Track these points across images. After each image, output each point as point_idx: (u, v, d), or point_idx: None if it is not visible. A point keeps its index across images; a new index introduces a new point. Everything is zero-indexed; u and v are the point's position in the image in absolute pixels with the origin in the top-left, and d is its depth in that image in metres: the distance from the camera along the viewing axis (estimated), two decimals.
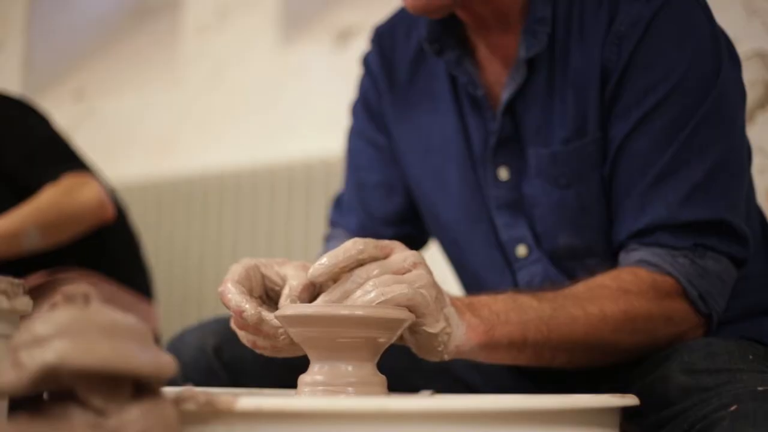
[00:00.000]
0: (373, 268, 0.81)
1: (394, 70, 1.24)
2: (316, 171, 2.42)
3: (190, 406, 0.62)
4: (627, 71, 1.03)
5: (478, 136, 1.14)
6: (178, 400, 0.62)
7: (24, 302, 0.80)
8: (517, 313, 0.91)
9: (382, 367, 0.83)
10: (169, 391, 0.63)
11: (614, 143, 1.04)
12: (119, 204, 1.93)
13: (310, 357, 0.83)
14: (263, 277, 0.90)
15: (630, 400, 0.76)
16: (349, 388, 0.80)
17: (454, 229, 1.20)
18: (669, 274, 0.99)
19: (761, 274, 1.10)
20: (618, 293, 0.96)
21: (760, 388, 0.81)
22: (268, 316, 0.85)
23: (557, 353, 0.95)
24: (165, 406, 0.58)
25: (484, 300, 0.91)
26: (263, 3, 2.75)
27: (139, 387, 0.57)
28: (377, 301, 0.78)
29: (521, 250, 1.13)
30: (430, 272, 0.83)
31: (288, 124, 2.63)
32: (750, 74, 1.53)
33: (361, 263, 0.82)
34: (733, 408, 0.79)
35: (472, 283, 1.22)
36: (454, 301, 0.88)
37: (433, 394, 0.84)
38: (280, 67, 2.70)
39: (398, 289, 0.79)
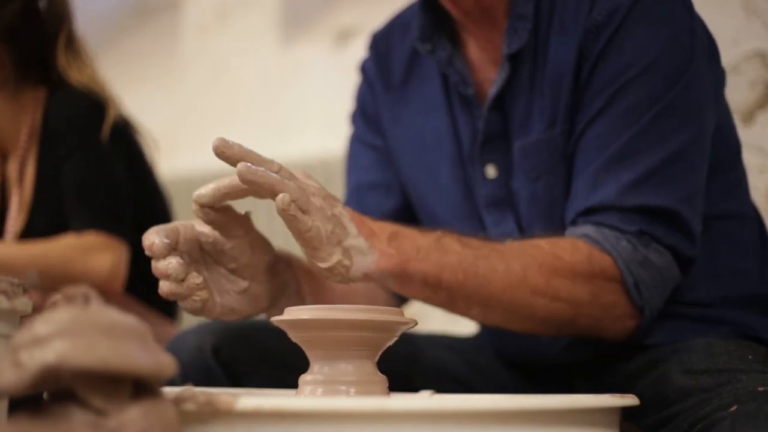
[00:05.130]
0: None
1: (390, 73, 1.24)
2: (316, 171, 2.41)
3: (190, 406, 0.62)
4: (600, 59, 1.02)
5: (468, 135, 1.14)
6: (178, 400, 0.62)
7: (24, 302, 0.80)
8: (438, 253, 0.92)
9: (382, 367, 0.83)
10: (169, 391, 0.63)
11: (578, 128, 1.04)
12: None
13: (310, 357, 0.83)
14: (199, 234, 0.94)
15: (630, 400, 0.76)
16: (350, 388, 0.80)
17: (449, 227, 1.19)
18: (608, 253, 0.97)
19: (759, 272, 1.10)
20: (548, 256, 0.95)
21: (760, 389, 0.81)
22: (195, 275, 0.91)
23: (471, 303, 0.95)
24: (165, 406, 0.58)
25: (410, 233, 0.93)
26: (263, 3, 2.75)
27: (139, 387, 0.57)
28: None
29: None
30: (332, 205, 0.87)
31: (288, 124, 2.63)
32: (750, 74, 1.53)
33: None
34: (733, 408, 0.79)
35: None
36: (373, 229, 0.90)
37: (433, 394, 0.84)
38: (280, 67, 2.69)
39: (312, 183, 0.87)
